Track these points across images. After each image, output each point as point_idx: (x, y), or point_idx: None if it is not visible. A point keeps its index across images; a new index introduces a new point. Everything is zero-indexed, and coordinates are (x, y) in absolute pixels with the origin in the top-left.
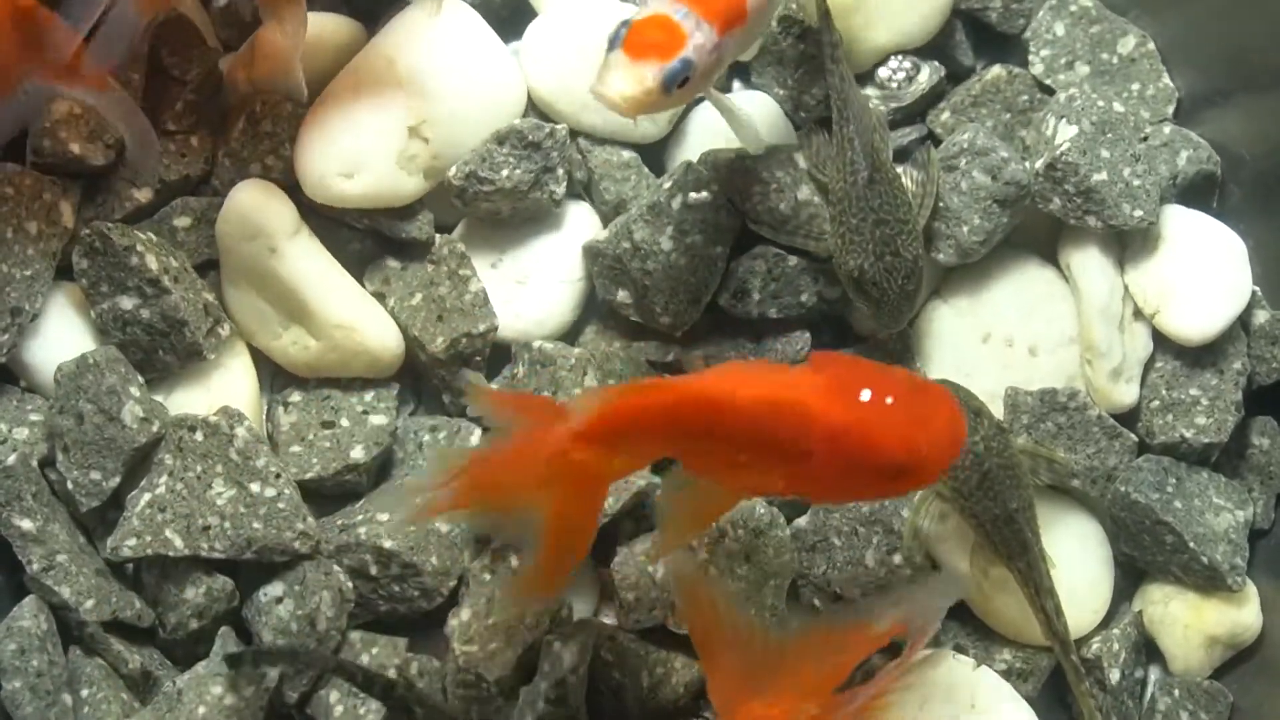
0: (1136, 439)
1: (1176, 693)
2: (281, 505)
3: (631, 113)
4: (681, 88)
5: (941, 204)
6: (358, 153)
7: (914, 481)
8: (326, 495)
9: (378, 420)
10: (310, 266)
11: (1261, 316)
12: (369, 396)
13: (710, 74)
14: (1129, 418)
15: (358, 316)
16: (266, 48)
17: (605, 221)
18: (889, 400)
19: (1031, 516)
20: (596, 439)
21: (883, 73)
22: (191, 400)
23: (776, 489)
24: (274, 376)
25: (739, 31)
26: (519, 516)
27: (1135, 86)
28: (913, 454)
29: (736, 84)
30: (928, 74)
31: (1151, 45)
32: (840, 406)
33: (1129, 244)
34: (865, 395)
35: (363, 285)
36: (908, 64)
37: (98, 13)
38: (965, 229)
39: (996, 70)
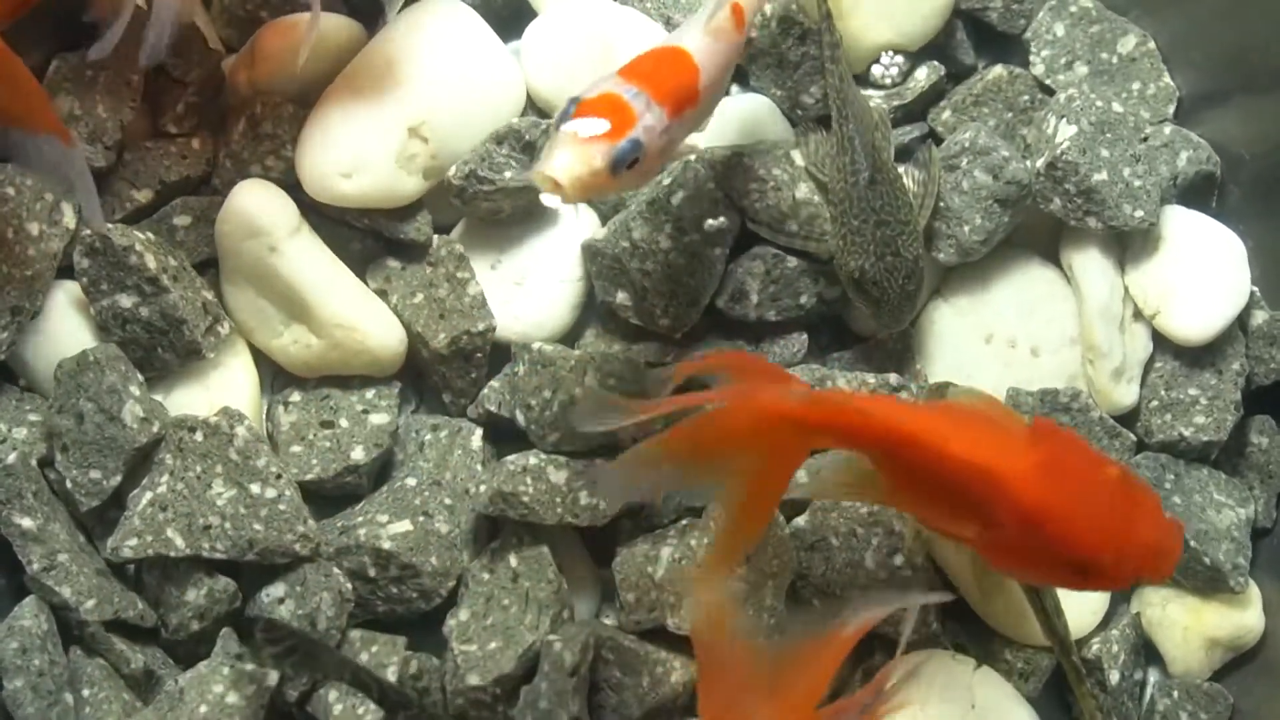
0: (1135, 438)
1: (1176, 694)
2: (282, 507)
3: (575, 196)
4: (630, 169)
5: (942, 203)
6: (357, 153)
7: (1102, 583)
8: (326, 496)
9: (378, 420)
10: (311, 265)
11: (1260, 317)
12: (370, 395)
13: (660, 157)
14: (1128, 418)
15: (360, 314)
16: (267, 48)
17: (603, 221)
18: (1096, 494)
19: None
20: (810, 424)
21: (875, 70)
22: (191, 399)
23: (964, 539)
24: (274, 377)
25: (690, 113)
26: (711, 476)
27: (1135, 86)
28: (1103, 557)
29: (735, 87)
30: (926, 72)
31: (1152, 45)
32: (1045, 489)
33: (1129, 245)
34: (1073, 483)
35: (365, 283)
36: (900, 59)
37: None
38: (966, 228)
39: (998, 70)
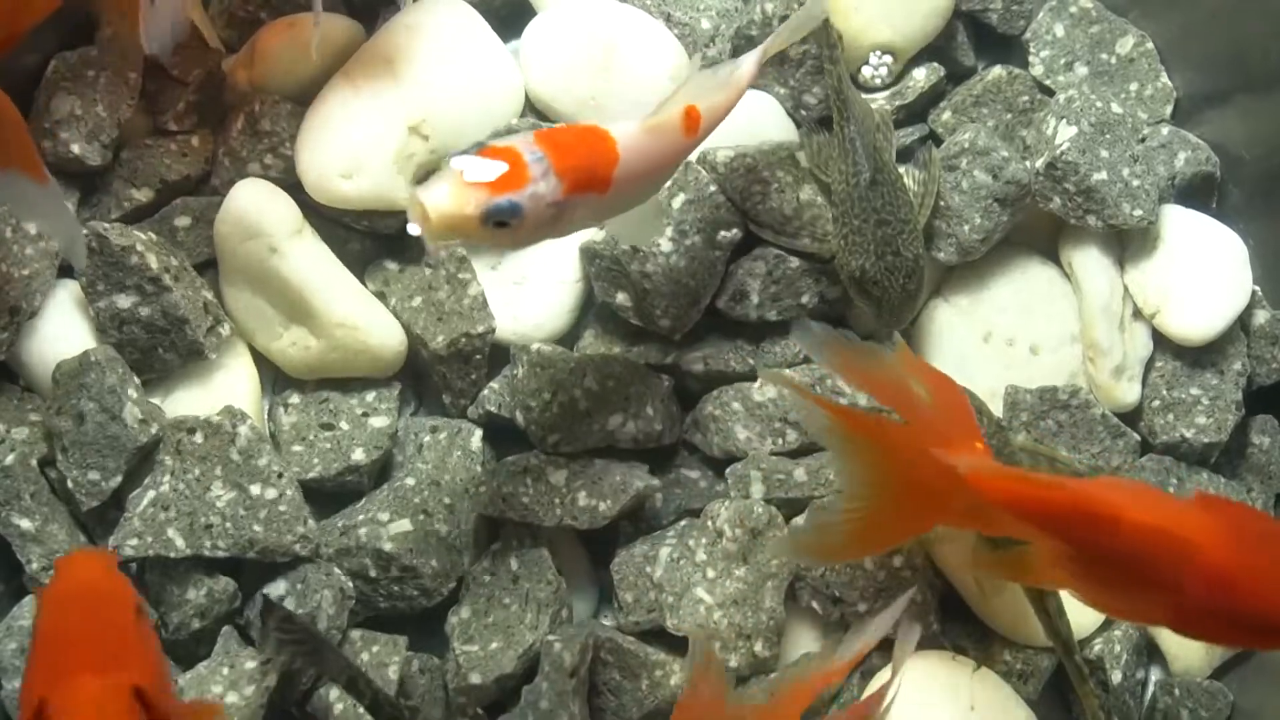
0: (1139, 439)
1: (1177, 692)
2: (283, 508)
3: (438, 233)
4: (502, 228)
5: (942, 203)
6: (357, 152)
7: None
8: (327, 494)
9: (378, 423)
10: (312, 265)
11: (1261, 316)
12: (370, 397)
13: (544, 229)
14: (1131, 417)
15: (360, 315)
16: (267, 48)
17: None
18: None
19: None
20: (983, 495)
21: (865, 71)
22: (192, 400)
23: (1150, 618)
24: (274, 379)
25: (595, 198)
26: (860, 480)
27: (1134, 87)
28: None
29: None
30: (925, 73)
31: (1150, 45)
32: (1229, 551)
33: (1129, 244)
34: (1259, 542)
35: (364, 284)
36: (889, 59)
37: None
38: (966, 228)
39: (997, 71)
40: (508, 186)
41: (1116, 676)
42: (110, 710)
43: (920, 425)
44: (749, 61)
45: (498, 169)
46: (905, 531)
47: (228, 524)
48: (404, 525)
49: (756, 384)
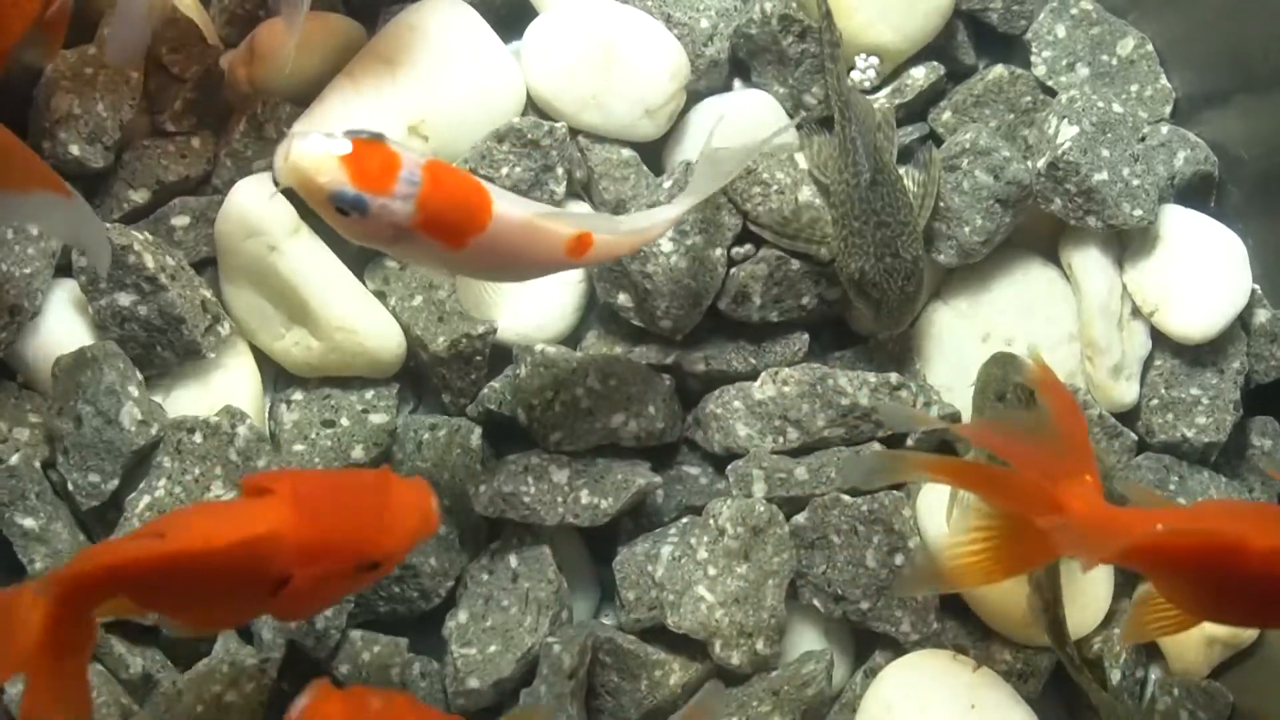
0: (1136, 438)
1: (1176, 692)
2: None
3: (286, 176)
4: (341, 216)
5: (942, 204)
6: None
7: None
8: None
9: (377, 419)
10: (311, 265)
11: (1262, 315)
12: (369, 395)
13: (380, 243)
14: (1129, 417)
15: (359, 316)
16: (265, 46)
17: None
18: None
19: None
20: (1091, 541)
21: (854, 75)
22: (192, 400)
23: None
24: (276, 377)
25: (442, 250)
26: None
27: (1134, 88)
28: None
29: (738, 83)
30: (925, 72)
31: (1150, 47)
32: None
33: (1128, 243)
34: None
35: (364, 284)
36: (875, 60)
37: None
38: (967, 229)
39: (998, 70)
40: (367, 184)
41: (1116, 676)
42: None
43: (1032, 461)
44: (666, 214)
45: (374, 163)
46: (1021, 567)
47: None
48: None
49: (757, 382)
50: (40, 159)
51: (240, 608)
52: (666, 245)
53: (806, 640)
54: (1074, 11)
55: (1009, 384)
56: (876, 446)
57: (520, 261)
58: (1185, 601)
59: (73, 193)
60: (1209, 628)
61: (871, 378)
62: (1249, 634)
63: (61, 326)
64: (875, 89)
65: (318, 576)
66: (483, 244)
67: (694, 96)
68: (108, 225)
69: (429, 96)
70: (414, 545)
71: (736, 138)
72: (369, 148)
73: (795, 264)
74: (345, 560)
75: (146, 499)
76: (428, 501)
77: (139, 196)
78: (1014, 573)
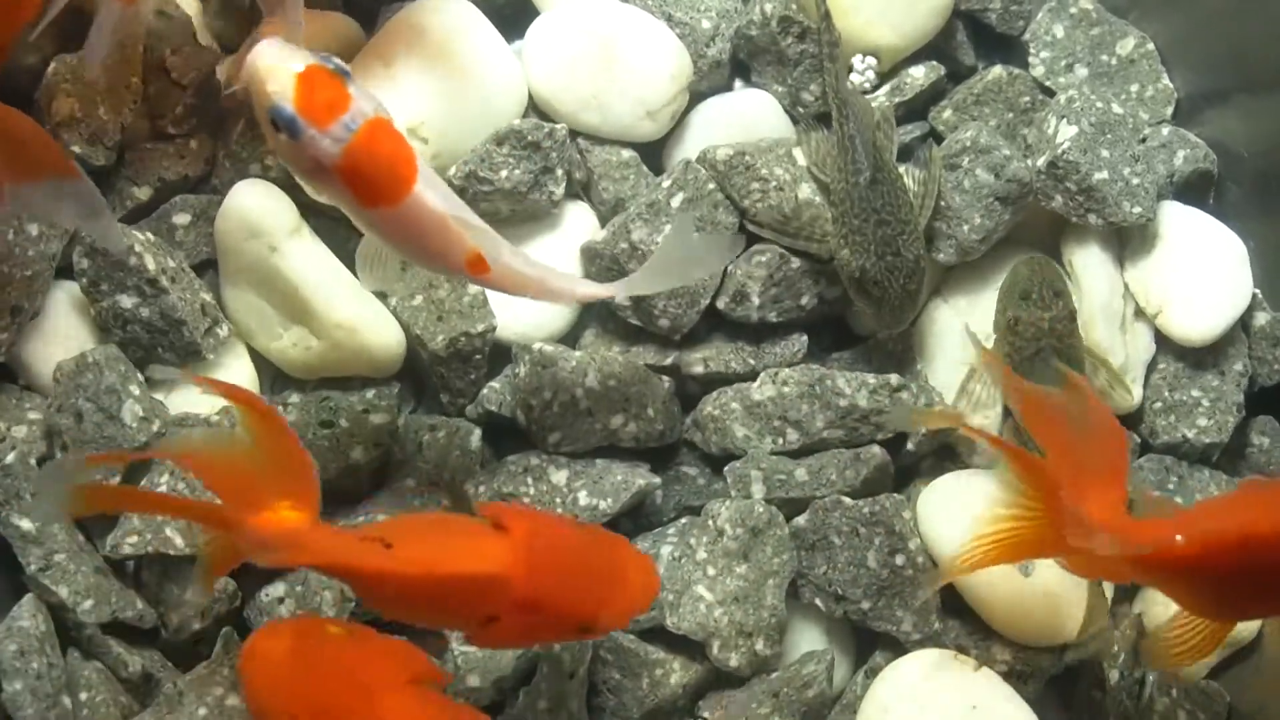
0: (1139, 439)
1: (1174, 693)
2: None
3: (237, 72)
4: (273, 131)
5: (943, 202)
6: None
7: None
8: (326, 497)
9: (377, 420)
10: (311, 265)
11: (1262, 318)
12: (369, 395)
13: (299, 170)
14: (1132, 419)
15: (360, 315)
16: None
17: (603, 221)
18: None
19: None
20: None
21: (854, 77)
22: (192, 400)
23: None
24: (273, 379)
25: (352, 201)
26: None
27: (1134, 88)
28: None
29: (738, 83)
30: (925, 71)
31: (1150, 46)
32: None
33: (1128, 242)
34: None
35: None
36: (873, 60)
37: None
38: (966, 227)
39: (998, 70)
40: (307, 111)
41: (1114, 676)
42: None
43: (1068, 456)
44: (585, 288)
45: (323, 95)
46: (1036, 555)
47: None
48: None
49: (756, 383)
50: (53, 144)
51: (444, 623)
52: None
53: (808, 640)
54: (1073, 11)
55: (1036, 283)
56: (875, 449)
57: (422, 251)
58: (1218, 606)
59: (80, 173)
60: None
61: (870, 379)
62: (1248, 634)
63: (63, 329)
64: (874, 89)
65: (529, 625)
66: (390, 216)
67: (696, 97)
68: None
69: (430, 97)
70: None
71: (734, 136)
72: (325, 79)
73: (794, 262)
74: (561, 622)
75: None
76: (654, 581)
77: (141, 194)
78: (1022, 558)
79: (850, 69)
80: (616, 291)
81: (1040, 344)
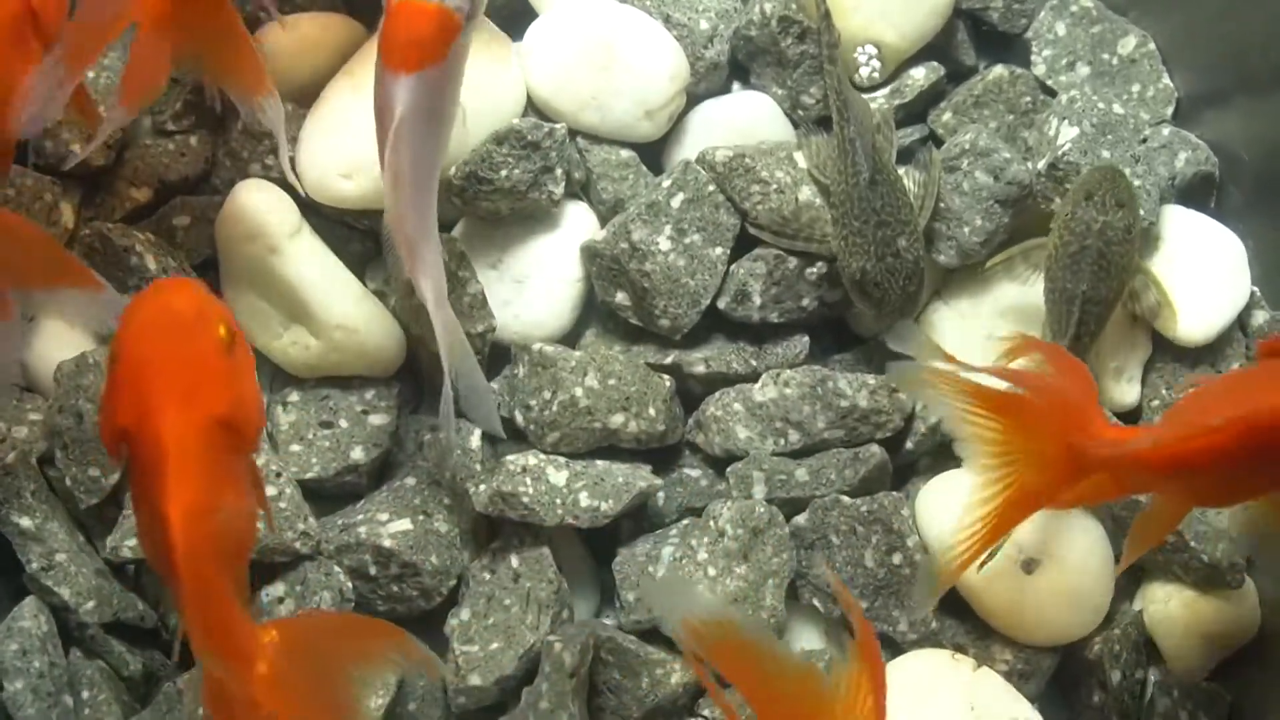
0: None
1: (1176, 693)
2: (283, 505)
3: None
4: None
5: (942, 205)
6: (357, 153)
7: None
8: (326, 495)
9: (377, 420)
10: (312, 266)
11: (1260, 317)
12: (369, 395)
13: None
14: (1129, 418)
15: (360, 316)
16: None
17: (603, 221)
18: None
19: (1099, 316)
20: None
21: (863, 71)
22: None
23: None
24: (273, 377)
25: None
26: (991, 458)
27: (1135, 88)
28: None
29: (736, 85)
30: (925, 72)
31: (1152, 46)
32: None
33: None
34: None
35: (364, 284)
36: (872, 49)
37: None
38: (966, 229)
39: (999, 70)
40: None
41: (1116, 676)
42: (192, 444)
43: (1045, 399)
44: (429, 287)
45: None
46: (1034, 506)
47: None
48: (404, 525)
49: (758, 384)
50: (72, 256)
51: None
52: (664, 244)
53: (806, 641)
54: (1074, 9)
55: (1102, 188)
56: (874, 448)
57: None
58: (1232, 490)
59: (104, 284)
60: (1208, 627)
61: (871, 380)
62: (1249, 633)
63: (63, 329)
64: (878, 86)
65: None
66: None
67: (694, 99)
68: (110, 225)
69: None
70: None
71: (733, 139)
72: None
73: (794, 263)
74: None
75: None
76: None
77: (141, 195)
78: (1015, 524)
79: (856, 66)
80: (433, 312)
81: (1085, 244)
